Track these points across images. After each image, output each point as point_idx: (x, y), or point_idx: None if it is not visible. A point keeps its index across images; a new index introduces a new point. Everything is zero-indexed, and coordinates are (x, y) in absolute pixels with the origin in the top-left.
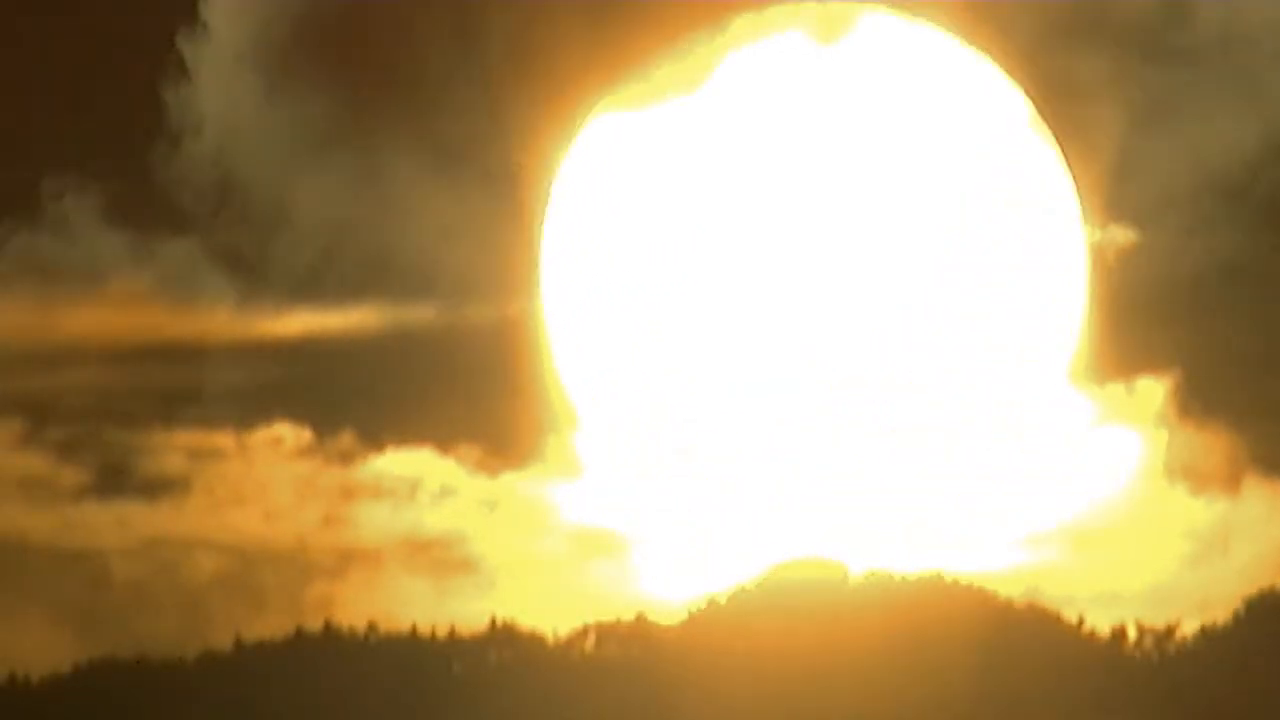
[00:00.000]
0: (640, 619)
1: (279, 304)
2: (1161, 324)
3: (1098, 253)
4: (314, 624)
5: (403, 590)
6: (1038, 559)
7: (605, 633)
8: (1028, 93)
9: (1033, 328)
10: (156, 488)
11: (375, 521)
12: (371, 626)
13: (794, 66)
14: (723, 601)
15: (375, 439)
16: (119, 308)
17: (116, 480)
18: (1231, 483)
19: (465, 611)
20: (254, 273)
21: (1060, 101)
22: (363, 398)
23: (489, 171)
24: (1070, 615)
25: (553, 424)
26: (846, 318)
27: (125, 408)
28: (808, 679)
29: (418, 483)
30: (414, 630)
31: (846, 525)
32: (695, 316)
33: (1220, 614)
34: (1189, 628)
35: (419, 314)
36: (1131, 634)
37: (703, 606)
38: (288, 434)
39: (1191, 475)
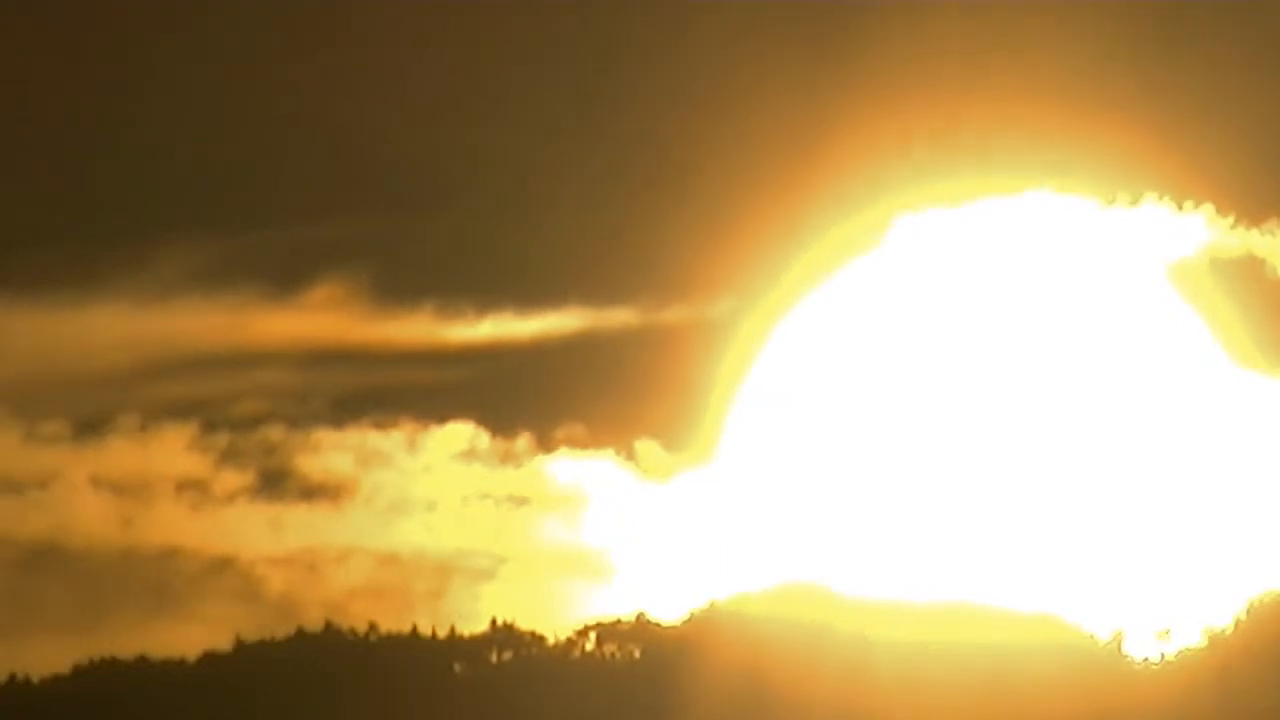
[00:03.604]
0: (640, 619)
1: (479, 307)
2: None
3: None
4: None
5: (548, 595)
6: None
7: (605, 633)
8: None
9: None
10: (316, 492)
11: (536, 526)
12: (372, 626)
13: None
14: (722, 604)
15: (549, 442)
16: (315, 312)
17: (277, 484)
18: None
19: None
20: (456, 276)
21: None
22: (546, 401)
23: (695, 177)
24: None
25: (729, 427)
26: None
27: (300, 411)
28: (804, 681)
29: (585, 488)
30: (414, 630)
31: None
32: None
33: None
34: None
35: (618, 317)
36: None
37: (703, 607)
38: (464, 437)
39: None
